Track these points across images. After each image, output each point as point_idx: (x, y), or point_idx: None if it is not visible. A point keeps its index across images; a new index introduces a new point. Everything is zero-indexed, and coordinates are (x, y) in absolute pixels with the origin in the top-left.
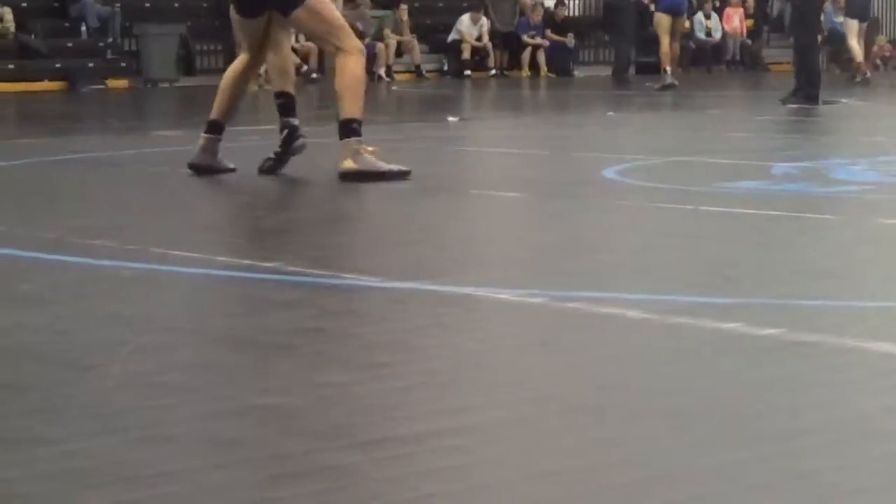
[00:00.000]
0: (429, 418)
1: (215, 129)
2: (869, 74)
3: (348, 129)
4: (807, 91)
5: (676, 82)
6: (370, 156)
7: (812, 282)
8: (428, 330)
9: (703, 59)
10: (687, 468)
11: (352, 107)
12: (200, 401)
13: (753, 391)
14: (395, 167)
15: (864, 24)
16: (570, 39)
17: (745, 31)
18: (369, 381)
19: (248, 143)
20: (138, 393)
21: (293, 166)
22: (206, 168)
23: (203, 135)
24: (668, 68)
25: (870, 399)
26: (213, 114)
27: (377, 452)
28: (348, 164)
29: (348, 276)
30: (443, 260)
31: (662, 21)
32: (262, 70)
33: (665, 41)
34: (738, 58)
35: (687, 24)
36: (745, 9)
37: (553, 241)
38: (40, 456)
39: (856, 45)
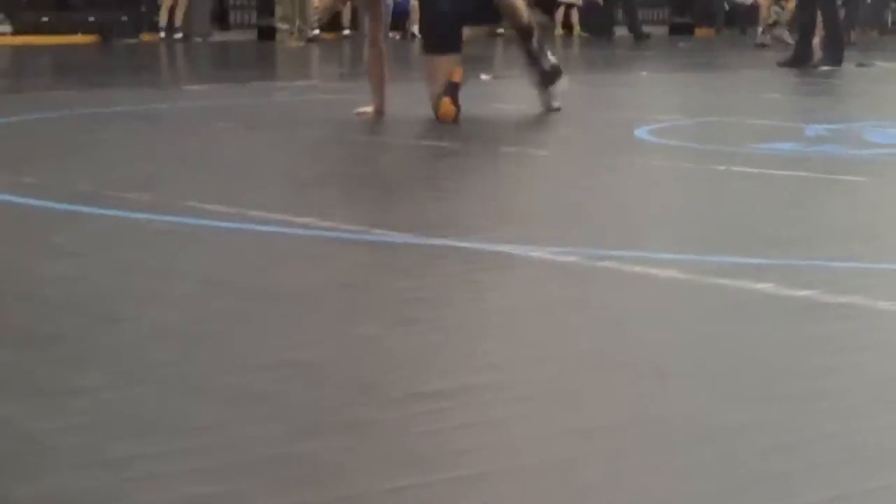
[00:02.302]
0: (460, 374)
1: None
2: (768, 41)
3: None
4: (828, 54)
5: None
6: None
7: (846, 243)
8: (460, 286)
9: (736, 19)
10: (717, 426)
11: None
12: (232, 354)
13: (785, 352)
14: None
15: None
16: None
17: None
18: (401, 336)
19: (283, 98)
20: (170, 345)
21: (332, 122)
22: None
23: None
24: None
25: None
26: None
27: (409, 407)
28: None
29: (381, 231)
30: (476, 217)
31: None
32: (294, 28)
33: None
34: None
35: None
36: None
37: (585, 200)
38: (72, 406)
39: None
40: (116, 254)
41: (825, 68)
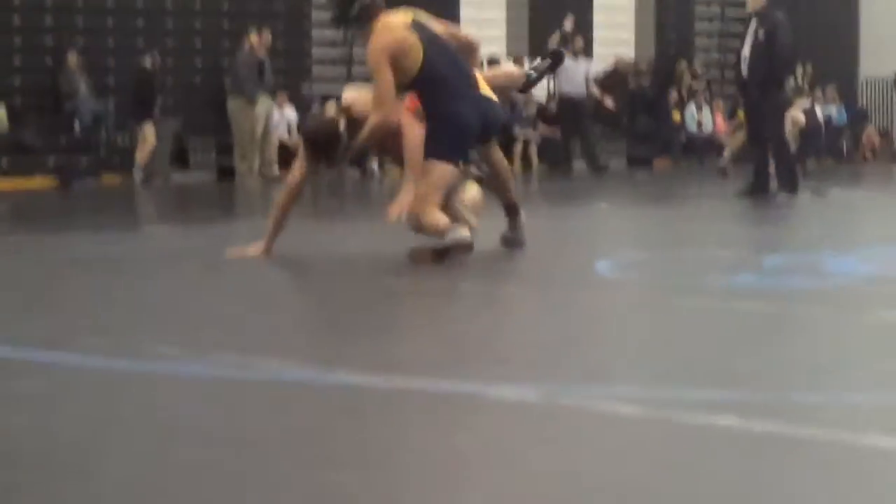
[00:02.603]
0: None
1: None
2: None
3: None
4: (783, 183)
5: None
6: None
7: (807, 376)
8: (422, 428)
9: (694, 150)
10: None
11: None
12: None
13: (749, 487)
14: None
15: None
16: (556, 133)
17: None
18: (364, 481)
19: (242, 238)
20: (135, 497)
21: (292, 262)
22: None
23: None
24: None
25: (867, 497)
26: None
27: None
28: None
29: (345, 372)
30: (435, 356)
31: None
32: (254, 167)
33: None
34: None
35: (678, 117)
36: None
37: (546, 336)
38: None
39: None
40: (76, 402)
41: (782, 197)
